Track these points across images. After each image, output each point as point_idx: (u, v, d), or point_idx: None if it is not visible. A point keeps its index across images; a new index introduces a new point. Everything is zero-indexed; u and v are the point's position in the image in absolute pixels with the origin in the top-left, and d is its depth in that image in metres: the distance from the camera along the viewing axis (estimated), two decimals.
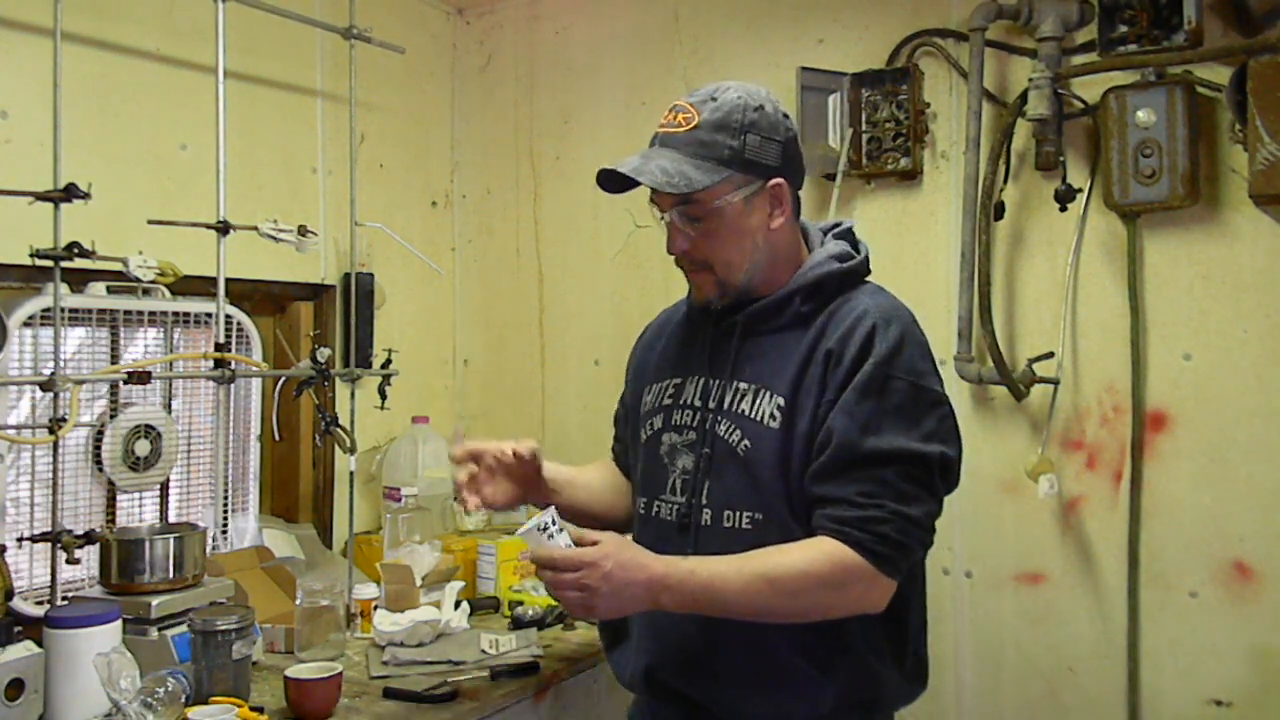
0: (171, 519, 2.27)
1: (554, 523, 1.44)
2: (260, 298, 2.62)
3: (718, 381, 1.55)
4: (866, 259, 1.60)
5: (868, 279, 1.60)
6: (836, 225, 1.65)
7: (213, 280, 2.11)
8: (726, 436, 1.51)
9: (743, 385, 1.52)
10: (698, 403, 1.56)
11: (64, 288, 1.92)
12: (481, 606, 2.41)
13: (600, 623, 1.72)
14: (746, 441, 1.49)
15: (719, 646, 1.49)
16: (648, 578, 1.39)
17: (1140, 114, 2.11)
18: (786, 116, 1.53)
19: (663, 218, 1.53)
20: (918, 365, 1.47)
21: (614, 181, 1.51)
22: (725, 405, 1.52)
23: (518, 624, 2.27)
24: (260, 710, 1.72)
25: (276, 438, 2.47)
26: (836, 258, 1.56)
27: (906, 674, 1.54)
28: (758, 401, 1.50)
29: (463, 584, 2.36)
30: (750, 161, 1.48)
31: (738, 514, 1.49)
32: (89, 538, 1.89)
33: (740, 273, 1.53)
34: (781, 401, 1.48)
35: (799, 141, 1.56)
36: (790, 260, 1.57)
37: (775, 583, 1.39)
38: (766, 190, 1.51)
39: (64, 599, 1.93)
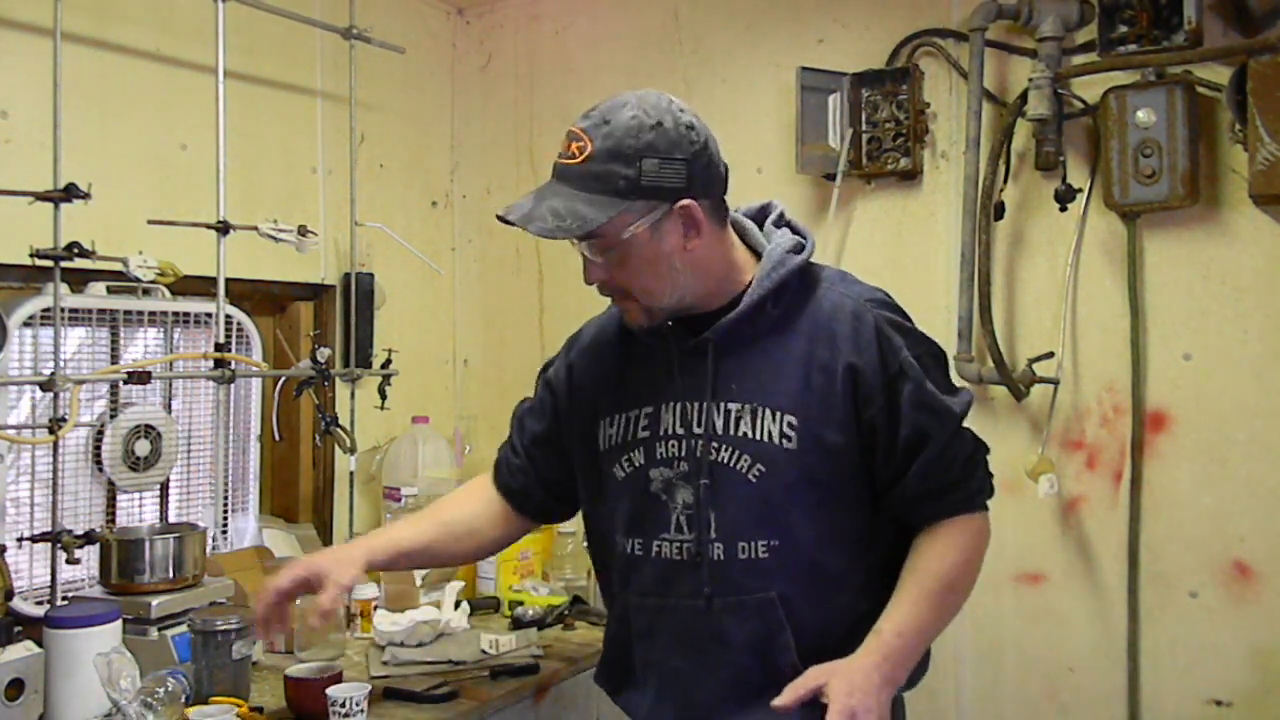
0: (171, 519, 2.27)
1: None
2: (260, 298, 2.61)
3: (698, 405, 1.45)
4: (812, 247, 1.51)
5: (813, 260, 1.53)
6: (765, 210, 1.56)
7: (213, 280, 2.12)
8: (732, 464, 1.43)
9: (733, 406, 1.43)
10: (680, 430, 1.46)
11: (64, 288, 1.92)
12: (481, 606, 2.41)
13: (602, 668, 1.63)
14: (760, 466, 1.41)
15: (751, 681, 1.42)
16: (888, 685, 1.35)
17: (1140, 114, 2.11)
18: (691, 128, 1.41)
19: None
20: (922, 334, 1.49)
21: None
22: (720, 429, 1.43)
23: (518, 624, 2.27)
24: (260, 710, 1.72)
25: (276, 438, 2.47)
26: (791, 251, 1.48)
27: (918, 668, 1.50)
28: (760, 421, 1.42)
29: (463, 584, 2.35)
30: (650, 188, 1.37)
31: (752, 544, 1.42)
32: (89, 538, 1.90)
33: (664, 298, 1.43)
34: (793, 419, 1.41)
35: (710, 148, 1.44)
36: (725, 271, 1.46)
37: (954, 584, 1.43)
38: (675, 213, 1.39)
39: (64, 599, 1.93)
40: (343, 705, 1.61)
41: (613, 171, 1.37)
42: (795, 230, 1.53)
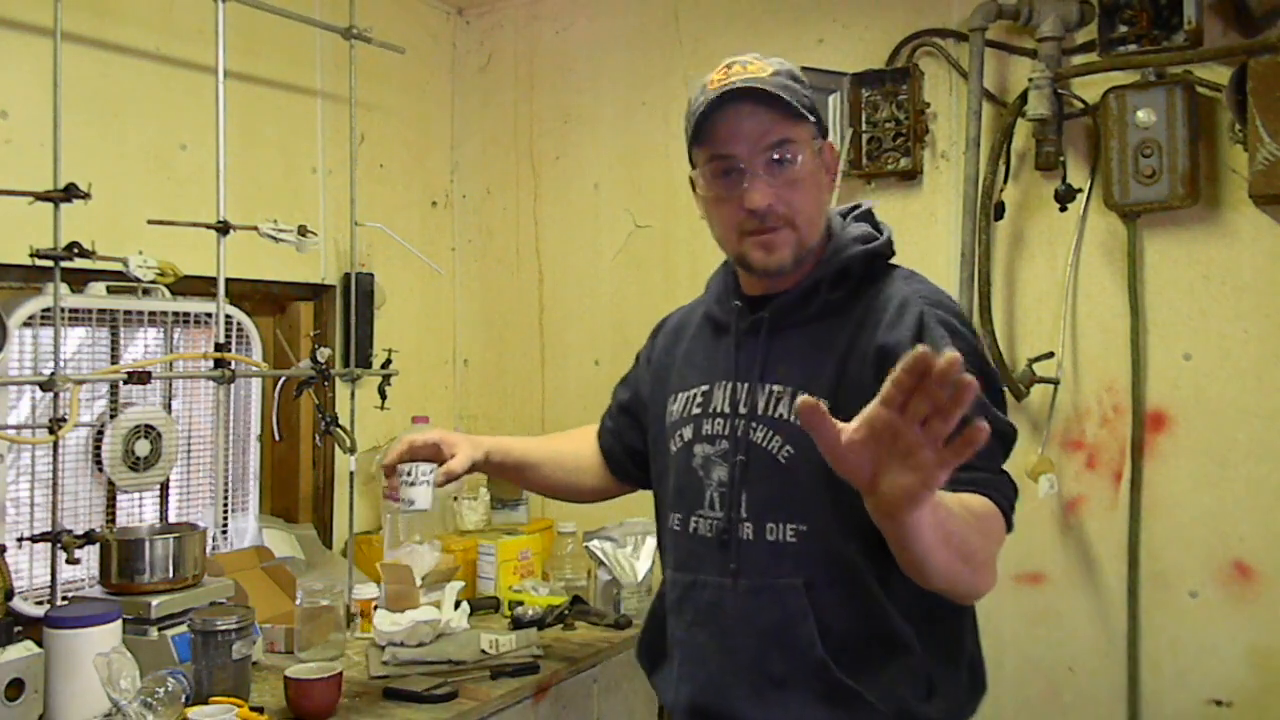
0: (171, 519, 2.27)
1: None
2: (260, 298, 2.61)
3: (746, 385, 1.44)
4: (890, 241, 1.48)
5: (893, 262, 1.50)
6: (855, 208, 1.54)
7: (213, 280, 2.11)
8: (764, 444, 1.41)
9: (776, 388, 1.41)
10: (727, 409, 1.46)
11: (64, 288, 1.92)
12: (481, 606, 2.41)
13: (640, 645, 1.63)
14: (789, 448, 1.39)
15: (771, 670, 1.39)
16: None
17: (1140, 114, 2.11)
18: None
19: (729, 173, 1.39)
20: (976, 346, 1.39)
21: (711, 121, 1.37)
22: (759, 410, 1.42)
23: (518, 624, 2.27)
24: (260, 710, 1.72)
25: (276, 438, 2.47)
26: (859, 240, 1.45)
27: (965, 684, 1.45)
28: (796, 405, 1.37)
29: (463, 584, 2.36)
30: (818, 114, 1.41)
31: (781, 526, 1.39)
32: (89, 538, 1.89)
33: (813, 234, 1.42)
34: (824, 405, 1.37)
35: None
36: (819, 242, 1.46)
37: (978, 517, 1.23)
38: (827, 147, 1.44)
39: (64, 599, 1.93)
40: (409, 474, 1.65)
41: (794, 88, 1.38)
42: (874, 226, 1.50)
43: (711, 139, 1.40)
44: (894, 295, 1.40)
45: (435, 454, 1.70)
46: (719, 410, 1.47)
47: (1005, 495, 1.30)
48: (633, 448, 1.73)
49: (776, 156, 1.38)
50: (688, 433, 1.51)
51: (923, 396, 0.92)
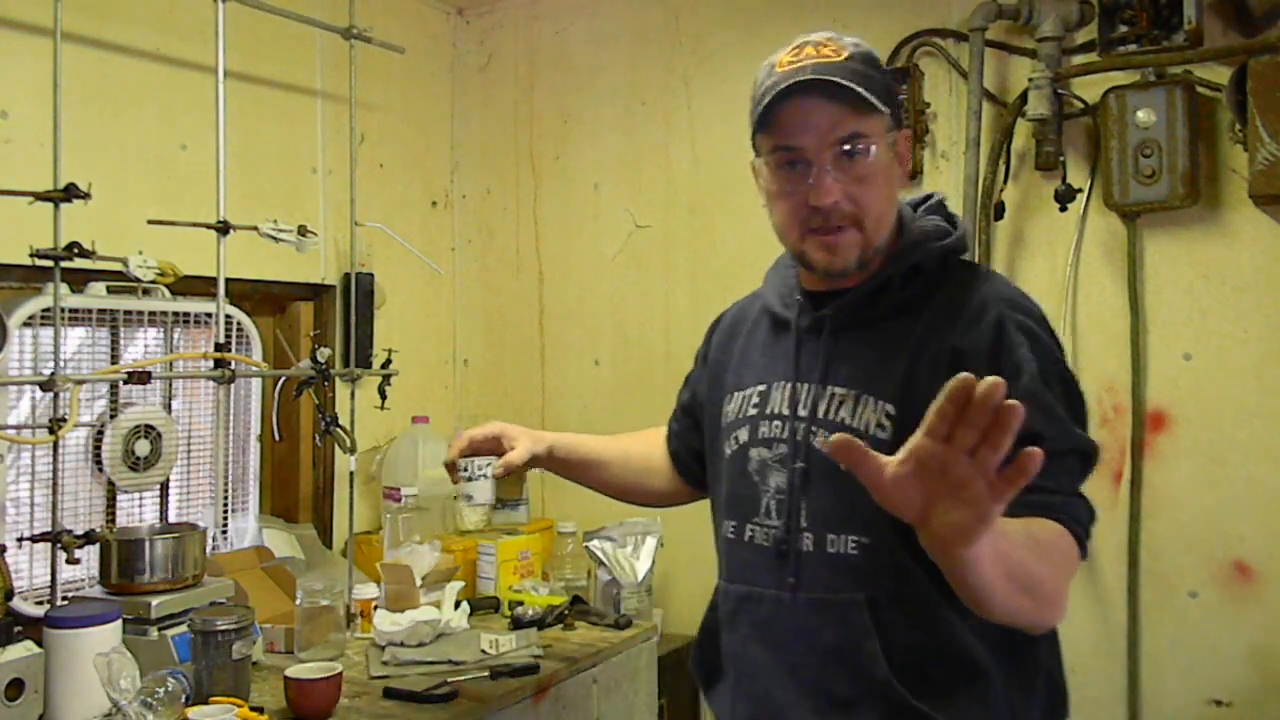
0: (171, 519, 2.27)
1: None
2: (260, 298, 2.62)
3: (807, 386, 1.34)
4: (965, 236, 1.38)
5: (965, 257, 1.39)
6: (927, 199, 1.42)
7: (213, 280, 2.11)
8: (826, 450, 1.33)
9: (839, 390, 1.31)
10: (785, 411, 1.36)
11: (64, 288, 1.92)
12: (481, 606, 2.41)
13: (694, 660, 1.52)
14: None
15: (835, 691, 1.29)
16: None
17: (1140, 114, 2.11)
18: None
19: (794, 165, 1.29)
20: (1055, 353, 1.28)
21: (777, 110, 1.28)
22: (820, 414, 1.32)
23: (518, 624, 2.27)
24: (260, 710, 1.72)
25: (276, 438, 2.47)
26: (933, 235, 1.34)
27: (1044, 708, 1.32)
28: (859, 409, 1.30)
29: (463, 584, 2.36)
30: (896, 102, 1.30)
31: (842, 538, 1.29)
32: (89, 538, 1.89)
33: (881, 233, 1.31)
34: (890, 409, 1.27)
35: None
36: (887, 237, 1.35)
37: (1044, 545, 1.13)
38: (901, 139, 1.33)
39: (64, 599, 1.93)
40: (466, 469, 1.60)
41: (873, 75, 1.28)
42: (948, 219, 1.39)
43: (776, 128, 1.30)
44: (971, 295, 1.29)
45: (495, 447, 1.64)
46: (777, 412, 1.38)
47: (1079, 520, 1.19)
48: (697, 450, 1.62)
49: (847, 149, 1.27)
50: (743, 435, 1.41)
51: (968, 425, 0.86)
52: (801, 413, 1.34)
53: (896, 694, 1.25)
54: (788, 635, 1.34)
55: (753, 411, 1.41)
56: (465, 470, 1.62)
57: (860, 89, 1.25)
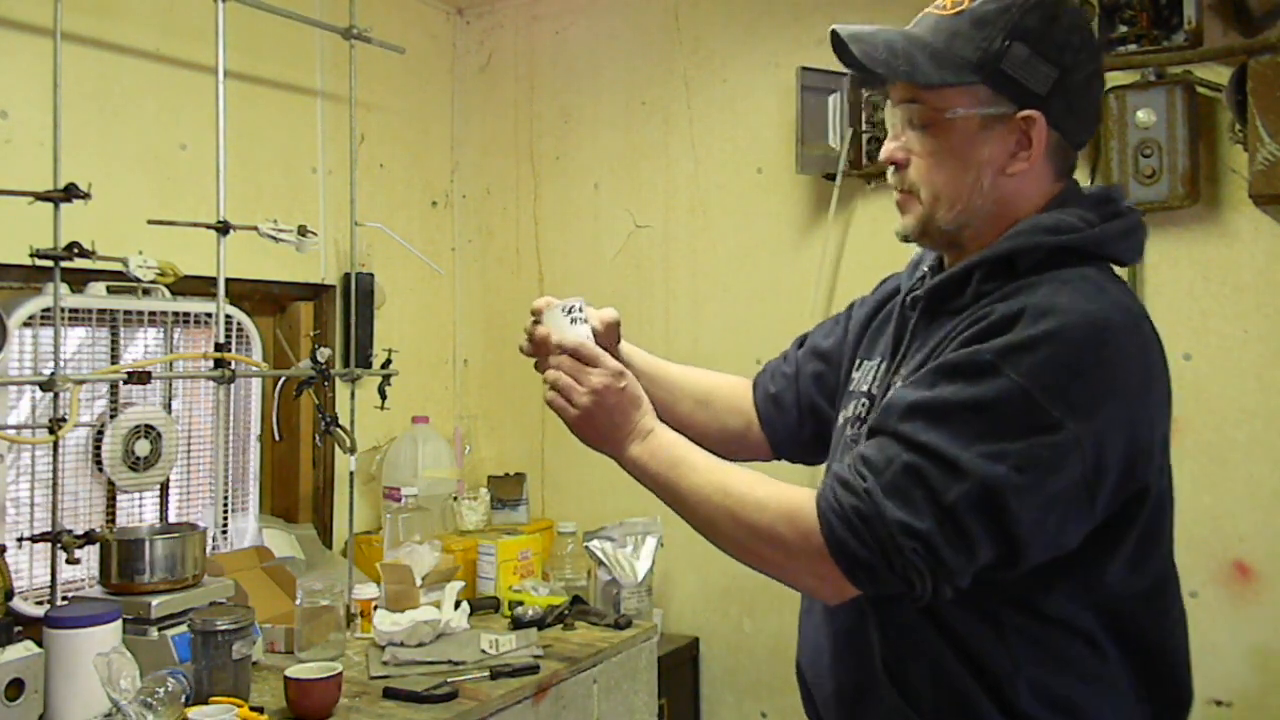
0: (171, 519, 2.27)
1: (580, 310, 1.30)
2: (260, 298, 2.62)
3: (886, 367, 1.28)
4: (1093, 238, 1.19)
5: (1089, 266, 1.20)
6: (1106, 192, 1.26)
7: (213, 280, 2.11)
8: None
9: (904, 373, 1.23)
10: (864, 388, 1.30)
11: (64, 288, 1.92)
12: (481, 606, 2.41)
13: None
14: None
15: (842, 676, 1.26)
16: (636, 419, 1.24)
17: (1140, 114, 2.11)
18: (1089, 39, 1.18)
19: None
20: (1051, 378, 1.05)
21: (847, 55, 1.18)
22: (879, 396, 1.26)
23: (518, 624, 2.27)
24: (260, 710, 1.72)
25: (276, 438, 2.47)
26: (1049, 229, 1.16)
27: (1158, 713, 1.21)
28: None
29: (463, 584, 2.36)
30: (1005, 76, 1.14)
31: None
32: (89, 538, 1.89)
33: (949, 213, 1.19)
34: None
35: (1097, 76, 1.21)
36: (986, 222, 1.21)
37: (731, 498, 1.14)
38: (1015, 121, 1.15)
39: (64, 599, 1.93)
40: (567, 309, 1.32)
41: (975, 37, 1.14)
42: (1106, 215, 1.22)
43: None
44: (1028, 299, 1.10)
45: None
46: (859, 389, 1.32)
47: (841, 503, 1.06)
48: (807, 400, 1.47)
49: (906, 116, 1.20)
50: (845, 408, 1.34)
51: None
52: (874, 392, 1.27)
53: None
54: (818, 617, 1.30)
55: (851, 386, 1.36)
56: (565, 311, 1.34)
57: (928, 53, 1.14)
